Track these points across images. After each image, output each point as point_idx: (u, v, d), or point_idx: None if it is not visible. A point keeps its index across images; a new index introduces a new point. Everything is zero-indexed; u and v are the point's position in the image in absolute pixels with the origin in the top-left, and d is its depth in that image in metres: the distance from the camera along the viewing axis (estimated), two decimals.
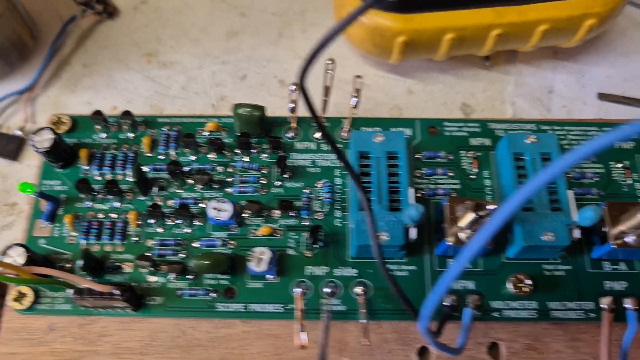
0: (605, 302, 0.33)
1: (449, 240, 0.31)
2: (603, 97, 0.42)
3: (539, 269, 0.33)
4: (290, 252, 0.33)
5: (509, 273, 0.33)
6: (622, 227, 0.32)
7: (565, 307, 0.33)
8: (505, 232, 0.33)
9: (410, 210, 0.30)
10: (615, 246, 0.32)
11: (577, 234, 0.32)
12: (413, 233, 0.31)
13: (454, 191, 0.35)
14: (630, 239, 0.32)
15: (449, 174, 0.35)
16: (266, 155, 0.36)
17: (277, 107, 0.41)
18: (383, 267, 0.27)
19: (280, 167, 0.34)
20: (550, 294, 0.33)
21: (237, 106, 0.34)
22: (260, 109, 0.35)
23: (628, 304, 0.33)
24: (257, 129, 0.35)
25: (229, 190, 0.35)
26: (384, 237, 0.31)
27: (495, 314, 0.32)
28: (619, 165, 0.36)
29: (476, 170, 0.36)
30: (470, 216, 0.30)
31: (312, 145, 0.36)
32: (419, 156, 0.36)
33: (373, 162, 0.33)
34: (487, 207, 0.29)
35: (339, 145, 0.25)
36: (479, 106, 0.42)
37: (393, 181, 0.33)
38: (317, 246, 0.33)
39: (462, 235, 0.31)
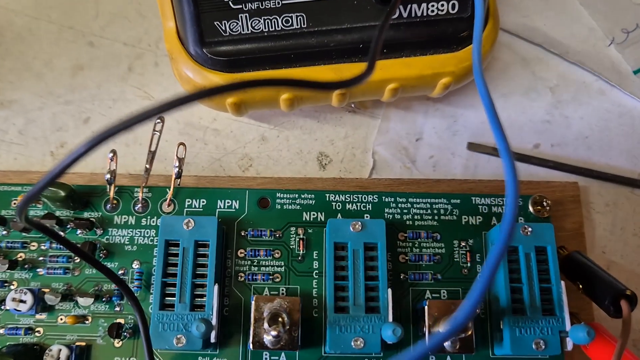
0: None
1: None
2: (472, 147, 0.39)
3: None
4: (99, 341, 0.32)
5: None
6: (440, 329, 0.30)
7: None
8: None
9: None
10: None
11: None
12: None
13: (278, 274, 0.33)
14: (447, 343, 0.30)
15: (275, 255, 0.33)
16: (81, 232, 0.33)
17: (120, 157, 0.38)
18: None
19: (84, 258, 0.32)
20: None
21: None
22: (66, 187, 0.32)
23: None
24: (69, 204, 0.33)
25: (39, 270, 0.33)
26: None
27: None
28: (463, 244, 0.34)
29: (303, 251, 0.33)
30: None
31: (132, 220, 0.34)
32: (243, 234, 0.33)
33: (180, 251, 0.31)
34: None
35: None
36: (338, 156, 0.39)
37: (199, 274, 0.31)
38: (121, 339, 0.32)
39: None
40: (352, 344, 0.29)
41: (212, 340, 0.29)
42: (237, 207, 0.34)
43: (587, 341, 0.28)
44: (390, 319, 0.30)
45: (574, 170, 0.38)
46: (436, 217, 0.34)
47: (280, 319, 0.28)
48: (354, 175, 0.38)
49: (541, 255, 0.32)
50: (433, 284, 0.33)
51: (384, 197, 0.34)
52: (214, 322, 0.30)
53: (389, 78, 0.33)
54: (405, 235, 0.34)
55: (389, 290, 0.30)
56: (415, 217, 0.34)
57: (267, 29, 0.33)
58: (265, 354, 0.32)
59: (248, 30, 0.33)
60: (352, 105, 0.40)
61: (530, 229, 0.32)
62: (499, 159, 0.39)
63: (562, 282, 0.31)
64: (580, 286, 0.33)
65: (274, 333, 0.28)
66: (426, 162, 0.39)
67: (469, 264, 0.33)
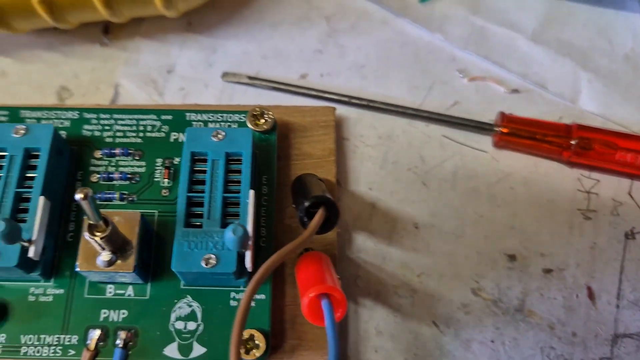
0: (91, 336, 0.26)
1: None
2: (227, 76, 0.35)
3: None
4: None
5: None
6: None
7: (41, 341, 0.26)
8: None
9: None
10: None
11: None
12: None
13: None
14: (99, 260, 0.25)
15: None
16: None
17: None
18: None
19: None
20: (29, 324, 0.26)
21: None
22: None
23: (119, 338, 0.26)
24: None
25: None
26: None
27: None
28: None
29: None
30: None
31: None
32: None
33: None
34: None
35: None
36: (81, 90, 0.35)
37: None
38: None
39: None
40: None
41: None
42: None
43: (233, 240, 0.23)
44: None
45: (343, 100, 0.34)
46: (141, 135, 0.30)
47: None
48: None
49: (235, 164, 0.27)
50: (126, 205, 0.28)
51: (84, 113, 0.30)
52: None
53: None
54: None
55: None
56: (117, 134, 0.30)
57: None
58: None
59: None
60: (105, 39, 0.36)
61: (223, 134, 0.27)
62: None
63: (251, 192, 0.26)
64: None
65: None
66: (175, 94, 0.35)
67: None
